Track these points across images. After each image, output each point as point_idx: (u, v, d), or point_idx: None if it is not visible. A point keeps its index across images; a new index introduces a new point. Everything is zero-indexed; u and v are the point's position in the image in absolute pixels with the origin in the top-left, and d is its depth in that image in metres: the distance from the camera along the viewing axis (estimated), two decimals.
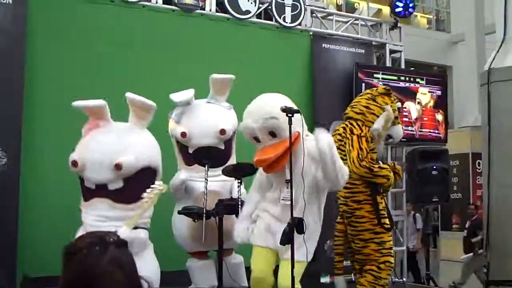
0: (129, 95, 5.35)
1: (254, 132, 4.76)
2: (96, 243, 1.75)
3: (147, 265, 5.15)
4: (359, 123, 5.32)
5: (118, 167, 5.07)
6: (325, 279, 7.59)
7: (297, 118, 4.53)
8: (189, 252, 6.25)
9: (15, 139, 6.34)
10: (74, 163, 5.11)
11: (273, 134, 4.70)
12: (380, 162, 5.44)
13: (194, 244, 6.03)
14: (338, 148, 5.29)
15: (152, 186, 5.03)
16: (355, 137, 5.20)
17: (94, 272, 1.70)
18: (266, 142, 4.71)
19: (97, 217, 5.20)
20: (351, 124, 5.33)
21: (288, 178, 4.51)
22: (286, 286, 4.38)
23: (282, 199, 4.69)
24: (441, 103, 9.25)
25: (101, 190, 5.21)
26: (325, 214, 6.92)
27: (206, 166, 5.88)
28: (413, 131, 8.85)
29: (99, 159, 5.11)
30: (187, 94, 6.14)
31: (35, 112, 6.57)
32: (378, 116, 5.34)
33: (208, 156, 6.00)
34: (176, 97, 6.14)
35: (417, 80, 9.10)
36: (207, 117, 6.07)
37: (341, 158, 5.22)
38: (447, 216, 15.01)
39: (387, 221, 5.30)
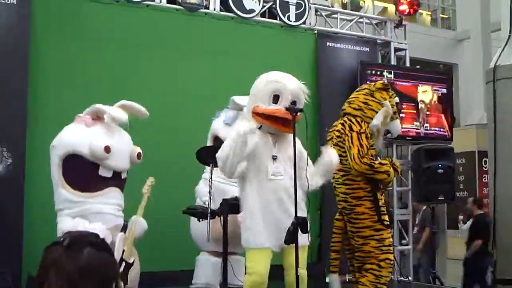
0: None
1: (285, 91, 4.65)
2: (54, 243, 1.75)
3: None
4: (358, 119, 5.26)
5: (139, 156, 5.36)
6: None
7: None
8: (206, 250, 6.31)
9: (19, 140, 6.36)
10: (107, 149, 5.16)
11: (295, 103, 4.65)
12: (379, 158, 5.39)
13: (211, 244, 6.07)
14: (336, 144, 5.26)
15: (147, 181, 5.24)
16: (354, 134, 5.14)
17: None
18: (283, 106, 4.60)
19: (115, 206, 5.29)
20: (350, 120, 5.27)
21: (276, 154, 4.64)
22: (304, 273, 4.56)
23: (272, 175, 4.61)
24: (447, 101, 9.21)
25: (116, 179, 5.33)
26: (329, 212, 6.95)
27: (211, 166, 5.90)
28: (418, 128, 8.80)
29: (125, 148, 5.32)
30: None
31: (40, 112, 6.58)
32: (376, 112, 5.27)
33: (212, 156, 6.01)
34: (241, 100, 6.09)
35: (422, 78, 9.07)
36: None
37: (340, 155, 5.20)
38: (453, 215, 14.93)
39: (386, 217, 5.25)
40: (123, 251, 4.93)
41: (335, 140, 5.33)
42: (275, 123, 4.65)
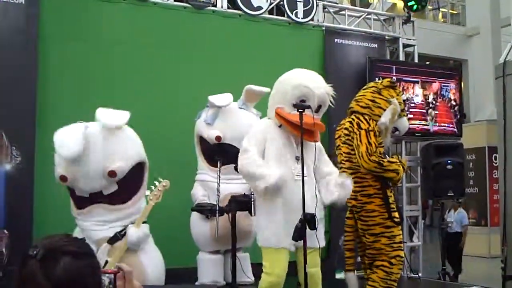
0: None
1: (312, 97, 4.63)
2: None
3: (151, 260, 5.32)
4: (366, 117, 5.26)
5: (112, 174, 5.11)
6: (340, 275, 7.56)
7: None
8: (206, 251, 6.35)
9: (28, 138, 6.38)
10: (63, 178, 5.12)
11: (319, 107, 4.74)
12: (387, 156, 5.39)
13: (212, 244, 6.11)
14: (345, 142, 5.27)
15: (155, 182, 5.10)
16: (363, 132, 5.13)
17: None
18: (306, 112, 4.52)
19: (96, 222, 5.26)
20: (358, 118, 5.27)
21: (299, 155, 4.56)
22: (318, 271, 4.68)
23: (297, 175, 4.57)
24: (456, 97, 9.17)
25: (95, 197, 5.26)
26: (340, 210, 6.95)
27: (219, 163, 5.93)
28: (427, 125, 8.77)
29: (90, 170, 5.11)
30: (227, 98, 6.25)
31: (48, 112, 6.60)
32: (384, 110, 5.28)
33: (221, 153, 6.05)
34: (217, 100, 6.22)
35: (431, 74, 9.04)
36: (241, 123, 6.15)
37: (348, 153, 5.22)
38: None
39: (397, 214, 5.25)
40: (106, 261, 4.96)
41: (343, 139, 5.33)
42: (298, 131, 4.58)
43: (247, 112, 6.35)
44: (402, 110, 5.50)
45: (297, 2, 8.29)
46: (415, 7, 9.03)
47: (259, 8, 7.99)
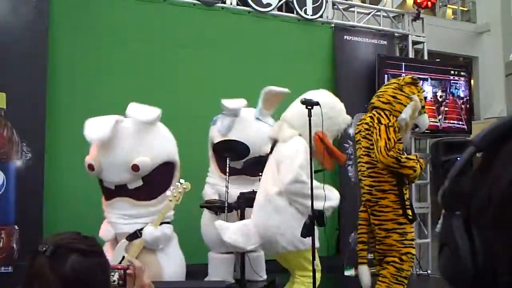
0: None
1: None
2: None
3: (170, 260, 5.32)
4: (387, 112, 5.26)
5: (134, 168, 5.17)
6: (349, 272, 7.56)
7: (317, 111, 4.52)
8: (216, 252, 6.34)
9: (39, 135, 6.43)
10: (90, 167, 5.22)
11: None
12: (405, 153, 5.39)
13: (223, 246, 6.09)
14: (365, 137, 5.30)
15: (176, 184, 5.10)
16: (382, 127, 5.14)
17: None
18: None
19: (120, 215, 5.30)
20: (379, 113, 5.27)
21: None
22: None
23: None
24: (466, 94, 9.14)
25: (121, 190, 5.33)
26: (349, 206, 6.94)
27: (228, 160, 5.93)
28: (437, 122, 8.74)
29: (115, 161, 5.20)
30: (240, 103, 6.22)
31: (58, 108, 6.64)
32: (405, 106, 5.28)
33: (229, 149, 6.05)
34: (229, 104, 6.20)
35: (441, 71, 9.00)
36: (256, 136, 6.06)
37: (367, 147, 5.24)
38: None
39: (410, 212, 5.25)
40: (123, 257, 4.98)
41: (363, 133, 5.35)
42: (329, 163, 4.82)
43: (263, 123, 6.22)
44: (423, 107, 5.51)
45: None
46: None
47: (269, 5, 7.99)
